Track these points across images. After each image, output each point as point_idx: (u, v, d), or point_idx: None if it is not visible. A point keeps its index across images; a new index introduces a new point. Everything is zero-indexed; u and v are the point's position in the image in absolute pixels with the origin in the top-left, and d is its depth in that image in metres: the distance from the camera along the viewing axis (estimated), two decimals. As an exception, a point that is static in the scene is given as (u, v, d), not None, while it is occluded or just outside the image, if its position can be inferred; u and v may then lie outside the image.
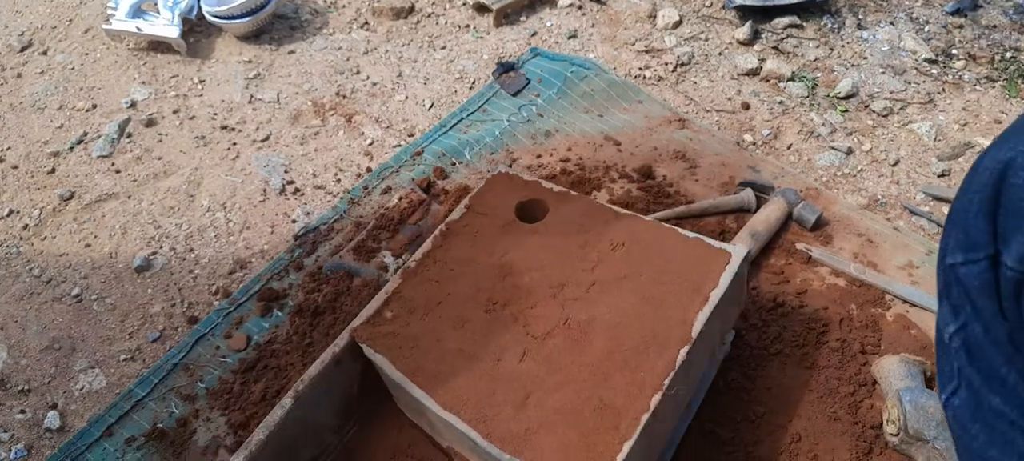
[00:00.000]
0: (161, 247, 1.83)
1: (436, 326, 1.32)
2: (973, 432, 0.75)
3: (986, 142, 2.03)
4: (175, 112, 2.15)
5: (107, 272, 1.78)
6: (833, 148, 2.03)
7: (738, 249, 1.36)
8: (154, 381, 1.58)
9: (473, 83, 2.24)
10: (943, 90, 2.23)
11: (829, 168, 1.99)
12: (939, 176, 1.96)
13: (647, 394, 1.16)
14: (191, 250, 1.82)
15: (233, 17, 2.27)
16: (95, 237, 1.86)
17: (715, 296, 1.28)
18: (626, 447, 1.09)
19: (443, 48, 2.35)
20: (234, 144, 2.06)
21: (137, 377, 1.60)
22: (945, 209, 1.88)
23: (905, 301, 1.67)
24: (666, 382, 1.17)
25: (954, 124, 2.11)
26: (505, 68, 2.21)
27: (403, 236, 1.74)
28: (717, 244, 1.37)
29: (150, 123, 2.12)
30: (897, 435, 1.41)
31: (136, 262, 1.78)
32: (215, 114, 2.14)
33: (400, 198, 1.81)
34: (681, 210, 1.83)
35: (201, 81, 2.24)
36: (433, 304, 1.36)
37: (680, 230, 1.41)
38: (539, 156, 1.99)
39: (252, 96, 2.18)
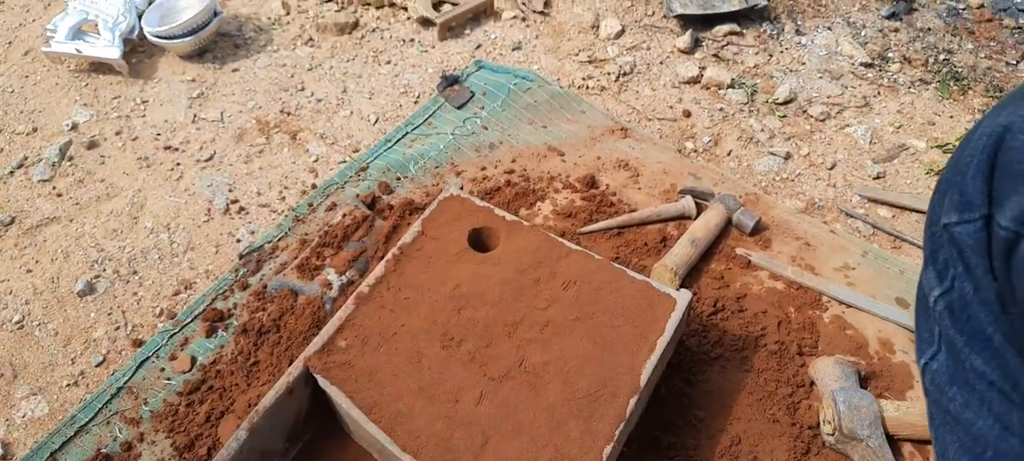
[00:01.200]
0: (104, 270, 1.82)
1: (392, 359, 1.34)
2: (950, 394, 0.78)
3: (920, 144, 2.10)
4: (117, 133, 2.13)
5: (49, 297, 1.77)
6: (772, 153, 2.07)
7: (682, 295, 1.42)
8: (98, 406, 1.57)
9: (418, 97, 2.25)
10: (879, 93, 2.29)
11: (768, 173, 2.03)
12: (874, 178, 2.02)
13: (599, 445, 1.22)
14: (135, 272, 1.81)
15: (175, 37, 2.26)
16: (37, 262, 1.84)
17: (661, 344, 1.34)
18: None
19: (388, 62, 2.36)
20: (177, 164, 2.05)
21: (81, 402, 1.59)
22: (880, 211, 1.94)
23: (841, 302, 1.72)
24: (617, 433, 1.22)
25: (889, 126, 2.17)
26: (450, 81, 2.23)
27: (347, 253, 1.75)
28: (663, 289, 1.43)
29: (92, 145, 2.10)
30: (833, 434, 1.45)
31: (78, 286, 1.77)
32: (158, 134, 2.12)
33: (344, 214, 1.81)
34: (624, 219, 1.86)
35: (144, 101, 2.22)
36: (388, 335, 1.37)
37: (628, 271, 1.46)
38: (484, 168, 2.01)
39: (196, 115, 2.17)
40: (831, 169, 2.04)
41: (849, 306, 1.71)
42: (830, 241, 1.85)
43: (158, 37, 2.27)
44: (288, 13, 2.51)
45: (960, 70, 2.40)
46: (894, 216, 1.92)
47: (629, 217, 1.87)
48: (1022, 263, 0.65)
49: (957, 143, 1.99)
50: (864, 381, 1.56)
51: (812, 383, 1.58)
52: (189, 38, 2.26)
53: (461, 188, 1.65)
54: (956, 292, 0.75)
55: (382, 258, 1.74)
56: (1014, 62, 2.50)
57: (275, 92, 2.25)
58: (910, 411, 1.46)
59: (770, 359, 1.62)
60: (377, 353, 1.37)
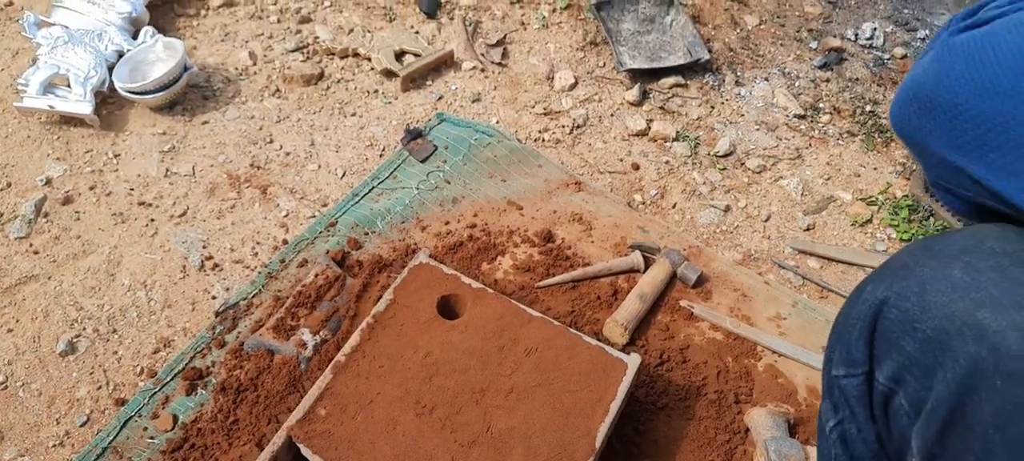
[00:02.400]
0: (84, 329, 1.90)
1: (369, 427, 1.46)
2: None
3: (846, 195, 2.28)
4: (91, 188, 2.20)
5: (31, 357, 1.85)
6: (712, 206, 2.24)
7: (632, 359, 1.59)
8: (84, 466, 1.66)
9: (383, 150, 2.37)
10: (810, 145, 2.48)
11: (709, 225, 2.20)
12: (805, 230, 2.20)
13: None
14: (114, 331, 1.90)
15: (147, 92, 2.34)
16: (17, 321, 1.91)
17: (614, 408, 1.50)
18: None
19: (353, 115, 2.47)
20: (152, 220, 2.13)
21: (66, 463, 1.68)
22: (810, 262, 2.12)
23: (774, 352, 1.89)
24: None
25: (818, 178, 2.35)
26: (413, 135, 2.35)
27: (320, 313, 1.86)
28: (615, 354, 1.59)
29: (67, 201, 2.17)
30: (766, 480, 1.62)
31: (60, 346, 1.85)
32: (132, 189, 2.21)
33: (316, 275, 1.92)
34: (578, 273, 2.01)
35: (116, 155, 2.30)
36: (365, 403, 1.50)
37: (584, 337, 1.61)
38: (447, 223, 2.14)
39: (168, 169, 2.26)
40: (766, 221, 2.22)
41: (781, 355, 1.88)
42: (764, 292, 2.02)
43: (129, 92, 2.34)
44: (255, 63, 2.60)
45: (884, 122, 2.60)
46: (822, 267, 2.11)
47: (583, 271, 2.02)
48: (895, 412, 0.82)
49: (880, 197, 2.19)
50: (793, 429, 1.73)
51: (747, 430, 1.74)
52: (160, 93, 2.34)
53: (430, 256, 1.77)
54: (845, 427, 0.92)
55: (353, 317, 1.87)
56: (935, 110, 2.70)
57: (244, 145, 2.34)
58: (834, 458, 1.63)
59: (710, 407, 1.79)
60: (355, 421, 1.49)
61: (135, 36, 2.53)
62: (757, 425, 1.70)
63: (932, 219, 2.18)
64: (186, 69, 2.41)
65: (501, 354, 1.59)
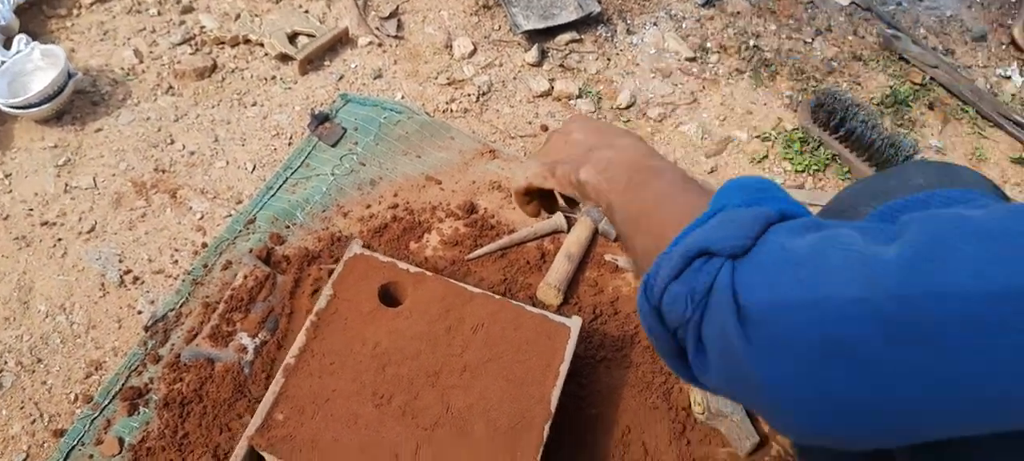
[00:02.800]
0: (5, 363, 1.83)
1: (330, 425, 1.49)
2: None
3: (742, 134, 2.42)
4: (-15, 214, 2.09)
5: (-48, 402, 1.77)
6: (622, 158, 2.32)
7: (574, 322, 1.67)
8: (32, 505, 1.62)
9: (290, 138, 2.34)
10: (703, 88, 2.60)
11: (621, 178, 2.29)
12: (709, 172, 2.32)
13: None
14: (39, 360, 1.84)
15: (31, 106, 2.22)
16: (-72, 366, 1.82)
17: (563, 370, 1.57)
18: None
19: (254, 105, 2.42)
20: (59, 239, 2.05)
21: (13, 505, 1.63)
22: (717, 203, 2.24)
23: (696, 293, 2.00)
24: (538, 457, 1.43)
25: (715, 120, 2.48)
26: (320, 119, 2.32)
27: (255, 314, 1.85)
28: (557, 319, 1.66)
29: (-40, 231, 2.06)
30: (703, 414, 1.74)
31: (-18, 386, 1.78)
32: (31, 210, 2.11)
33: (244, 276, 1.90)
34: (504, 241, 2.07)
35: (6, 176, 2.18)
36: (321, 402, 1.52)
37: (525, 307, 1.67)
38: (369, 206, 2.15)
39: (67, 184, 2.17)
40: (674, 168, 2.32)
41: (703, 295, 2.00)
42: (681, 237, 2.13)
43: (12, 107, 2.22)
44: (141, 61, 2.50)
45: (768, 55, 2.74)
46: (730, 206, 2.23)
47: (510, 239, 2.07)
48: None
49: (772, 132, 2.33)
50: (723, 364, 1.86)
51: (682, 371, 1.86)
52: (46, 105, 2.22)
53: (363, 247, 1.79)
54: None
55: (289, 315, 1.87)
56: (809, 40, 2.88)
57: (145, 149, 2.26)
58: (762, 385, 1.77)
59: (644, 353, 1.89)
60: (314, 421, 1.51)
61: (7, 46, 2.38)
62: (690, 365, 1.82)
63: (822, 149, 2.34)
64: (70, 76, 2.30)
65: (449, 335, 1.63)
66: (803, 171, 2.31)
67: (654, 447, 1.74)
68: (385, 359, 1.59)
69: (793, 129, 2.41)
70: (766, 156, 2.35)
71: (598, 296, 1.99)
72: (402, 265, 1.75)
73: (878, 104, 2.51)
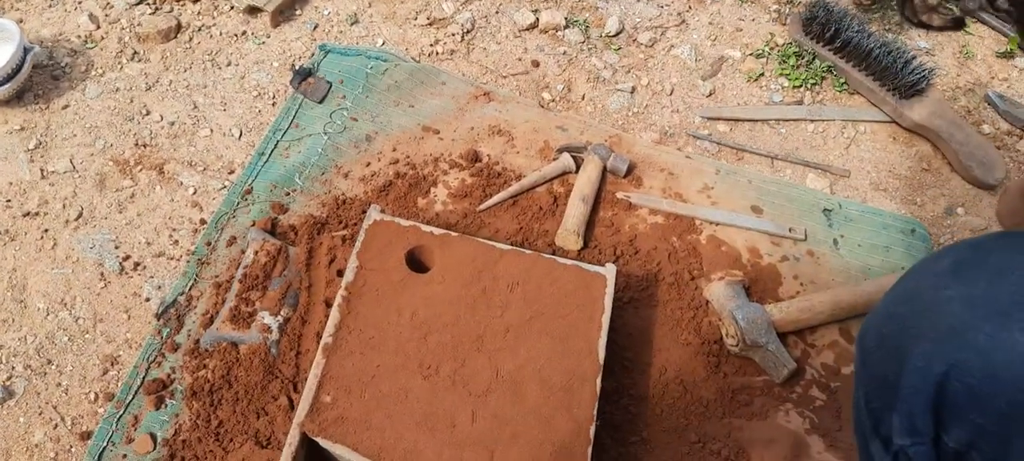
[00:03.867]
0: (14, 368, 1.74)
1: (380, 403, 1.45)
2: None
3: (736, 53, 2.39)
4: (-40, 210, 1.96)
5: (-36, 416, 1.68)
6: (619, 90, 2.28)
7: (609, 270, 1.64)
8: (71, 514, 1.56)
9: (274, 98, 2.23)
10: (690, 7, 2.55)
11: (621, 110, 2.25)
12: (707, 96, 2.29)
13: (585, 428, 1.43)
14: (49, 362, 1.75)
15: (-10, 87, 2.06)
16: (-70, 380, 1.72)
17: (605, 320, 1.54)
18: None
19: (228, 64, 2.29)
20: (45, 231, 1.93)
21: (50, 516, 1.57)
22: (720, 127, 2.22)
23: (711, 222, 2.00)
24: (595, 412, 1.42)
25: (707, 41, 2.44)
26: (302, 75, 2.22)
27: (274, 292, 1.79)
28: (592, 269, 1.62)
29: (-64, 231, 1.92)
30: (737, 346, 1.75)
31: (-6, 395, 1.69)
32: (8, 201, 1.98)
33: (255, 252, 1.83)
34: (515, 188, 2.02)
35: (-26, 166, 2.04)
36: (367, 379, 1.47)
37: (558, 259, 1.64)
38: (368, 164, 2.07)
39: (43, 170, 2.03)
40: (671, 95, 2.29)
41: (717, 224, 2.00)
42: (688, 166, 2.12)
43: (-31, 91, 2.05)
44: (98, 26, 2.33)
45: (746, -33, 2.69)
46: (731, 129, 2.22)
47: (519, 185, 2.03)
48: None
49: (765, 48, 2.30)
50: (748, 292, 1.87)
51: (707, 302, 1.87)
52: (5, 86, 2.07)
53: (381, 211, 1.72)
54: None
55: (309, 288, 1.81)
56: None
57: (120, 124, 2.13)
58: (788, 309, 1.79)
59: (670, 290, 1.89)
60: (363, 399, 1.47)
61: (-51, 24, 2.19)
62: (718, 297, 1.83)
63: (816, 61, 2.33)
64: (27, 50, 2.13)
65: (486, 296, 1.60)
66: (800, 86, 2.30)
67: (692, 383, 1.75)
68: (425, 328, 1.55)
69: (786, 44, 2.39)
70: (762, 74, 2.33)
71: (616, 236, 1.97)
72: (425, 228, 1.69)
73: (865, 11, 2.49)
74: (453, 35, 2.39)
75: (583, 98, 2.27)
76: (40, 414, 1.69)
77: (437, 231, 1.69)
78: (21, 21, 2.34)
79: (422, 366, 1.51)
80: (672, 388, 1.75)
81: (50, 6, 2.39)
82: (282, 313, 1.77)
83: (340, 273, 1.83)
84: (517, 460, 1.40)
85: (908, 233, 2.00)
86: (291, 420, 1.63)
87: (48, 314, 1.81)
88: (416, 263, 1.68)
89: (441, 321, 1.56)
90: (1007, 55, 2.40)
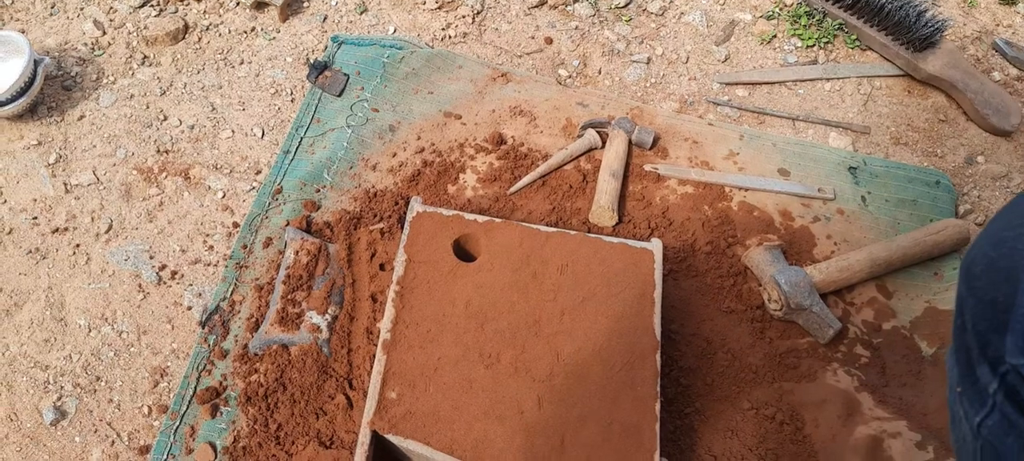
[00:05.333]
0: (63, 388, 1.73)
1: (446, 395, 1.46)
2: (1007, 443, 0.99)
3: (747, 16, 2.40)
4: (-14, 231, 1.93)
5: (19, 438, 1.67)
6: (634, 61, 2.29)
7: (655, 244, 1.66)
8: (140, 529, 1.57)
9: (292, 94, 2.21)
10: (695, -28, 2.54)
11: (639, 82, 2.26)
12: (723, 61, 2.30)
13: (651, 405, 1.45)
14: (98, 378, 1.74)
15: (4, 103, 2.02)
16: (-21, 407, 1.71)
17: (658, 296, 1.56)
18: (656, 457, 1.40)
19: (242, 62, 2.27)
20: (77, 246, 1.91)
21: (119, 533, 1.57)
22: (740, 92, 2.23)
23: (740, 188, 2.02)
24: (657, 389, 1.44)
25: (716, 6, 2.44)
26: (318, 69, 2.20)
27: (319, 291, 1.78)
28: (638, 245, 1.64)
29: (-34, 255, 1.90)
30: (781, 310, 1.78)
31: (47, 416, 1.68)
32: (35, 218, 1.95)
33: (296, 253, 1.82)
34: (543, 169, 2.03)
35: (-5, 184, 2.01)
36: (430, 372, 1.48)
37: (603, 238, 1.66)
38: (395, 154, 2.07)
39: (66, 184, 2.01)
40: (686, 63, 2.30)
41: (747, 189, 2.02)
42: (711, 133, 2.13)
43: (-16, 108, 2.02)
44: (104, 32, 2.29)
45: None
46: (750, 93, 2.24)
47: (548, 165, 2.03)
48: None
49: (776, 10, 2.31)
50: (785, 255, 1.90)
51: (746, 269, 1.89)
52: (20, 100, 2.03)
53: (423, 203, 1.72)
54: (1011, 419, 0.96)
55: (353, 284, 1.81)
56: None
57: (139, 131, 2.11)
58: (828, 270, 1.82)
59: (707, 259, 1.92)
60: (429, 393, 1.49)
61: (-47, 40, 2.15)
62: (757, 263, 1.85)
63: (827, 19, 2.34)
64: (37, 62, 2.09)
65: (537, 281, 1.61)
66: (813, 45, 2.31)
67: (739, 350, 1.78)
68: (481, 317, 1.56)
69: (797, 3, 2.40)
70: (775, 35, 2.34)
71: (648, 209, 1.98)
72: (469, 216, 1.70)
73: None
74: (463, 17, 2.37)
75: (600, 72, 2.27)
76: (95, 432, 1.68)
77: (480, 218, 1.69)
78: (24, 31, 2.29)
79: (483, 355, 1.52)
80: (720, 357, 1.78)
81: (52, 14, 2.34)
82: (329, 311, 1.77)
83: (382, 267, 1.83)
84: (587, 443, 1.42)
85: (933, 185, 2.03)
86: (351, 418, 1.65)
87: (90, 331, 1.80)
88: (462, 252, 1.69)
89: (496, 309, 1.57)
90: (1010, 1, 2.43)
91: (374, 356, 1.53)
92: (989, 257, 0.99)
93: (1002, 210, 1.06)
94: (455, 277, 1.62)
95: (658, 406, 1.46)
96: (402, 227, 1.68)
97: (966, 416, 1.06)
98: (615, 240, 1.67)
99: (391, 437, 1.44)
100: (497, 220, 1.69)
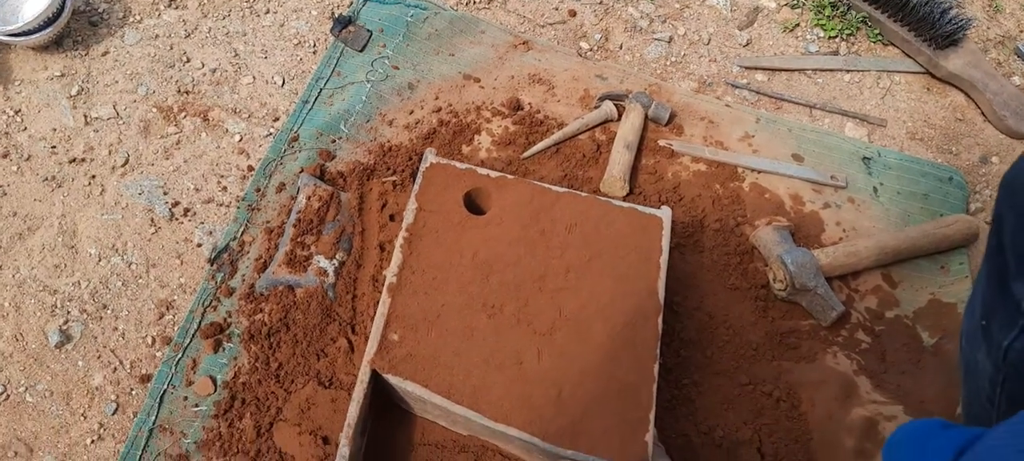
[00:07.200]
0: (70, 313, 1.75)
1: (447, 340, 1.47)
2: None
3: (770, 3, 2.39)
4: (5, 156, 1.95)
5: (23, 358, 1.69)
6: (656, 39, 2.29)
7: (664, 212, 1.67)
8: (137, 454, 1.59)
9: (315, 46, 2.22)
10: (721, -42, 2.54)
11: (659, 60, 2.26)
12: (744, 45, 2.30)
13: (649, 366, 1.46)
14: (104, 306, 1.76)
15: (30, 32, 2.04)
16: (-13, 324, 1.73)
17: (664, 262, 1.57)
18: (651, 416, 1.40)
19: (267, 12, 2.28)
20: (93, 177, 1.94)
21: (117, 456, 1.59)
22: (758, 76, 2.23)
23: (753, 170, 2.02)
24: (657, 350, 1.45)
25: (740, -9, 2.44)
26: (342, 23, 2.21)
27: (328, 236, 1.80)
28: (647, 211, 1.65)
29: (-18, 177, 1.92)
30: (785, 291, 1.79)
31: (53, 338, 1.70)
32: (54, 147, 1.97)
33: (308, 198, 1.84)
34: (558, 136, 2.04)
35: (16, 111, 2.03)
36: (433, 317, 1.50)
37: (613, 202, 1.66)
38: (412, 112, 2.08)
39: (86, 116, 2.03)
40: (708, 45, 2.30)
41: (760, 172, 2.02)
42: (728, 115, 2.13)
43: (9, 36, 2.04)
44: (132, -27, 2.31)
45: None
46: (769, 79, 2.24)
47: (562, 133, 2.04)
48: None
49: (801, 1, 2.31)
50: (793, 237, 1.90)
51: (753, 248, 1.90)
52: (46, 30, 2.05)
53: (436, 154, 1.73)
54: None
55: (362, 233, 1.83)
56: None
57: (161, 71, 2.13)
58: (835, 254, 1.82)
59: (715, 236, 1.92)
60: (430, 337, 1.50)
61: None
62: (765, 242, 1.85)
63: (851, 12, 2.34)
64: (65, -5, 2.12)
65: (545, 238, 1.62)
66: (835, 36, 2.31)
67: (740, 327, 1.79)
68: (487, 268, 1.58)
69: (821, -6, 2.40)
70: (798, 24, 2.34)
71: (659, 183, 1.99)
72: (481, 171, 1.71)
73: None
74: (489, -16, 2.38)
75: (621, 47, 2.28)
76: (98, 358, 1.70)
77: (493, 174, 1.70)
78: (53, -33, 2.31)
79: (486, 305, 1.53)
80: (720, 332, 1.79)
81: (81, -48, 2.36)
82: (337, 257, 1.78)
83: (392, 217, 1.85)
84: (585, 397, 1.43)
85: (945, 181, 2.03)
86: (351, 361, 1.67)
87: (100, 260, 1.82)
88: (473, 206, 1.70)
89: (502, 262, 1.58)
90: (1039, 7, 2.42)
91: (379, 302, 1.54)
92: None
93: None
94: (464, 228, 1.63)
95: (657, 367, 1.47)
96: (414, 181, 1.69)
97: (990, 351, 1.07)
98: (624, 204, 1.68)
99: (390, 377, 1.46)
100: (509, 177, 1.71)
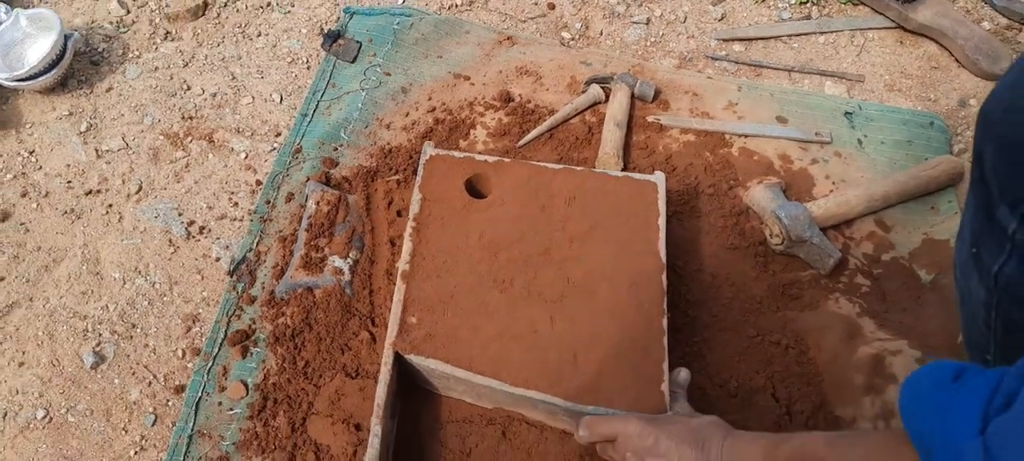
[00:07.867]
0: (101, 336, 1.82)
1: (464, 318, 1.55)
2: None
3: (742, -22, 2.48)
4: (24, 195, 2.03)
5: (62, 382, 1.76)
6: (634, 22, 2.38)
7: (658, 177, 1.75)
8: (180, 460, 1.66)
9: (308, 62, 2.31)
10: (691, -61, 2.63)
11: (639, 41, 2.34)
12: (719, 20, 2.39)
13: (657, 321, 1.53)
14: (133, 326, 1.84)
15: (36, 76, 2.12)
16: (23, 353, 1.80)
17: (662, 223, 1.64)
18: (664, 366, 1.48)
19: (259, 35, 2.37)
20: (110, 206, 2.01)
21: (159, 463, 1.67)
22: (737, 47, 2.32)
23: (740, 135, 2.10)
24: (665, 305, 1.53)
25: (712, -32, 2.53)
26: (332, 37, 2.29)
27: (340, 237, 1.88)
28: (641, 177, 1.72)
29: (5, 216, 2.00)
30: (782, 244, 1.86)
31: (88, 360, 1.77)
32: (69, 182, 2.05)
33: (317, 204, 1.92)
34: (550, 122, 2.12)
35: (30, 152, 2.11)
36: (447, 298, 1.57)
37: (609, 172, 1.74)
38: (407, 114, 2.16)
39: (97, 150, 2.11)
40: (685, 22, 2.39)
41: (747, 136, 2.10)
42: (710, 86, 2.22)
43: (16, 81, 2.12)
44: (128, 12, 2.40)
45: None
46: (746, 48, 2.32)
47: (554, 119, 2.12)
48: None
49: None
50: (785, 193, 1.98)
51: (747, 208, 1.97)
52: (51, 73, 2.13)
53: (434, 146, 1.81)
54: None
55: (372, 231, 1.90)
56: None
57: (164, 100, 2.21)
58: (826, 205, 1.90)
59: (710, 201, 2.00)
60: (447, 317, 1.57)
61: (-18, 19, 2.26)
62: (758, 200, 1.93)
63: (821, -23, 2.43)
64: (67, 38, 2.20)
65: (546, 213, 1.70)
66: (806, 2, 2.40)
67: (742, 283, 1.86)
68: (494, 247, 1.65)
69: (790, -37, 2.48)
70: (770, -6, 2.43)
71: (651, 157, 2.07)
72: (479, 157, 1.79)
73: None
74: (470, -14, 2.47)
75: (601, 34, 2.36)
76: (133, 374, 1.78)
77: (491, 159, 1.78)
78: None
79: (497, 281, 1.61)
80: (724, 290, 1.86)
81: (77, -4, 2.45)
82: (351, 256, 1.86)
83: (399, 213, 1.93)
84: (599, 357, 1.51)
85: (927, 126, 2.11)
86: (375, 351, 1.74)
87: (125, 283, 1.90)
88: (474, 191, 1.77)
89: (508, 239, 1.66)
90: (1000, -46, 2.51)
91: (395, 290, 1.61)
92: (1007, 100, 1.03)
93: (1015, 61, 1.10)
94: (468, 212, 1.71)
95: (665, 321, 1.54)
96: (416, 175, 1.76)
97: (982, 278, 1.10)
98: (619, 174, 1.76)
99: (413, 358, 1.53)
100: (506, 159, 1.78)
